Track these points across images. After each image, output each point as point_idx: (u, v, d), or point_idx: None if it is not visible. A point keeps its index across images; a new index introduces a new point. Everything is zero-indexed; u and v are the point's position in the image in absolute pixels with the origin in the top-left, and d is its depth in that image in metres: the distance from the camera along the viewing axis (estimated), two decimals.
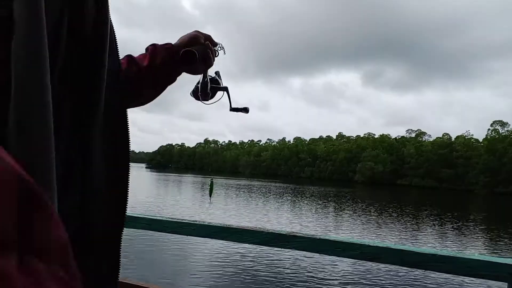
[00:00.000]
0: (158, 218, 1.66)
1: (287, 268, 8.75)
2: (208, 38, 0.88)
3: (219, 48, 0.94)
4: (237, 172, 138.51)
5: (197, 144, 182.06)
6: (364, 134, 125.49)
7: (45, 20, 0.41)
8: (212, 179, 1.99)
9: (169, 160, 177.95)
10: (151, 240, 10.21)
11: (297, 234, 1.29)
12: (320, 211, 23.20)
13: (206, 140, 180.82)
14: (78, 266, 0.25)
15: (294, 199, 31.35)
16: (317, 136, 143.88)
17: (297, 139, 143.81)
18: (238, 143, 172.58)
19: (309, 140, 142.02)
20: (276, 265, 8.97)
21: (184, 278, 7.83)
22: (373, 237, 14.02)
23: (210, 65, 0.89)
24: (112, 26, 0.58)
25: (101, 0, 0.53)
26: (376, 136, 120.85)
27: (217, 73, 0.95)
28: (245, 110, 0.96)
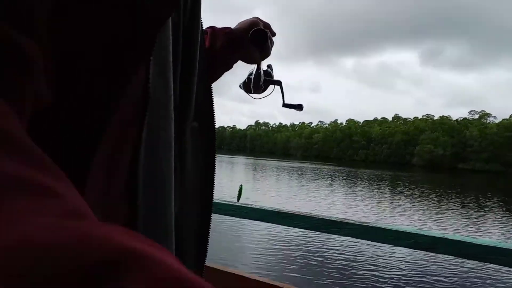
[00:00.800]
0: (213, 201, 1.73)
1: (337, 255, 8.70)
2: (267, 26, 0.83)
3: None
4: (288, 154, 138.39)
5: (248, 126, 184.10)
6: (423, 116, 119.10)
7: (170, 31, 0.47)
8: (241, 185, 2.02)
9: (221, 142, 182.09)
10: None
11: (348, 221, 1.29)
12: (376, 196, 22.57)
13: (257, 122, 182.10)
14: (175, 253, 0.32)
15: (349, 182, 30.73)
16: (371, 118, 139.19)
17: (350, 121, 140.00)
18: (288, 125, 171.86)
19: (363, 122, 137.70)
20: (326, 251, 8.95)
21: (237, 259, 8.10)
22: (433, 226, 13.41)
23: (268, 54, 0.84)
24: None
25: None
26: (435, 118, 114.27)
27: (269, 66, 0.89)
28: (299, 107, 0.90)
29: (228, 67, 0.84)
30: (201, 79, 0.58)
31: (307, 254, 8.60)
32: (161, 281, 0.13)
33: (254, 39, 0.77)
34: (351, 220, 1.29)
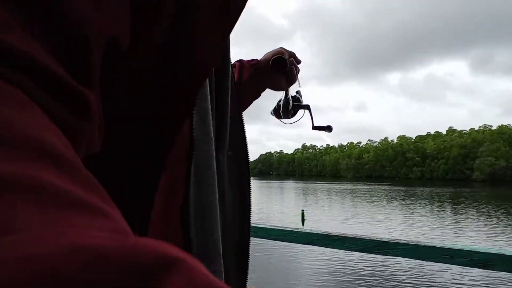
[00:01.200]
0: (262, 226, 1.77)
1: (391, 276, 8.29)
2: (292, 55, 0.87)
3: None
4: (339, 175, 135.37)
5: (295, 150, 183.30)
6: (479, 127, 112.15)
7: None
8: (303, 210, 2.03)
9: (269, 167, 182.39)
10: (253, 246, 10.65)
11: (400, 241, 1.27)
12: (436, 214, 21.25)
13: (303, 146, 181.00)
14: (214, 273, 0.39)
15: (408, 202, 29.20)
16: (423, 133, 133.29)
17: (401, 137, 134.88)
18: (336, 146, 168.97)
19: (415, 137, 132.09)
20: (379, 273, 8.56)
21: (287, 283, 7.97)
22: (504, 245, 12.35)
23: (293, 81, 0.88)
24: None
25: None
26: (493, 128, 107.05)
27: (298, 92, 0.93)
28: (329, 128, 0.92)
29: (257, 95, 0.89)
30: (233, 111, 0.63)
31: (360, 276, 8.28)
32: (197, 283, 0.14)
33: (275, 66, 0.82)
34: (403, 240, 1.27)
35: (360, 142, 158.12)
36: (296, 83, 0.90)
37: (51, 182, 0.17)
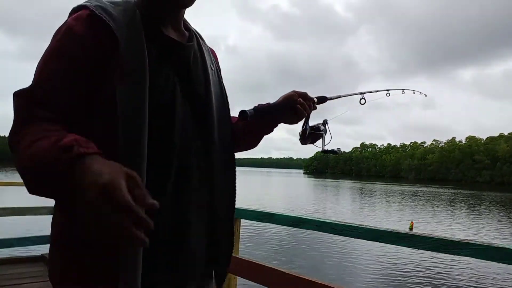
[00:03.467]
0: (326, 220, 1.83)
1: (459, 276, 7.91)
2: (302, 95, 1.04)
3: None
4: (399, 176, 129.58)
5: (353, 148, 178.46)
6: None
7: None
8: (412, 223, 2.04)
9: (325, 166, 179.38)
10: (317, 240, 10.72)
11: (471, 241, 1.27)
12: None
13: (362, 144, 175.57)
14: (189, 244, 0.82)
15: (475, 208, 27.16)
16: (496, 134, 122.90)
17: (471, 138, 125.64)
18: (398, 145, 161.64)
19: (486, 139, 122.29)
20: (448, 273, 8.20)
21: (349, 276, 7.93)
22: None
23: (302, 116, 1.05)
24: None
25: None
26: None
27: (325, 121, 1.16)
28: (334, 152, 1.17)
29: (269, 132, 1.10)
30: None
31: (425, 275, 8.00)
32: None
33: (240, 118, 1.00)
34: (474, 240, 1.27)
35: (424, 142, 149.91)
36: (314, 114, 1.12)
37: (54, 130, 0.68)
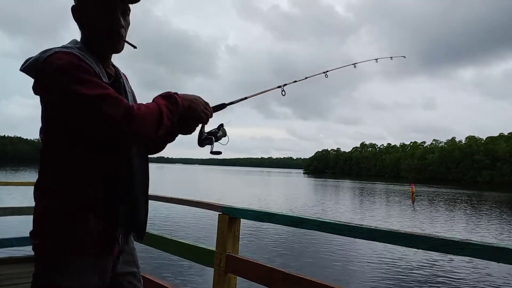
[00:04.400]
0: (327, 220, 1.83)
1: (458, 277, 7.92)
2: (205, 104, 1.32)
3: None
4: (399, 176, 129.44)
5: (353, 148, 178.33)
6: None
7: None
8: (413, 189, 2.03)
9: (325, 166, 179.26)
10: (318, 240, 10.71)
11: (471, 241, 1.27)
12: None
13: (362, 144, 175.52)
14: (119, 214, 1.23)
15: (475, 208, 27.09)
16: (496, 134, 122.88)
17: (471, 138, 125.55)
18: (398, 145, 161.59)
19: (486, 139, 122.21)
20: (447, 273, 8.21)
21: (349, 276, 7.93)
22: None
23: (192, 130, 1.33)
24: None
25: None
26: None
27: (220, 125, 1.39)
28: (219, 153, 1.38)
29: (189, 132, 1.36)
30: None
31: (425, 275, 8.01)
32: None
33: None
34: (474, 240, 1.27)
35: (424, 142, 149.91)
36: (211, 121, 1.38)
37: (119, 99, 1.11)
